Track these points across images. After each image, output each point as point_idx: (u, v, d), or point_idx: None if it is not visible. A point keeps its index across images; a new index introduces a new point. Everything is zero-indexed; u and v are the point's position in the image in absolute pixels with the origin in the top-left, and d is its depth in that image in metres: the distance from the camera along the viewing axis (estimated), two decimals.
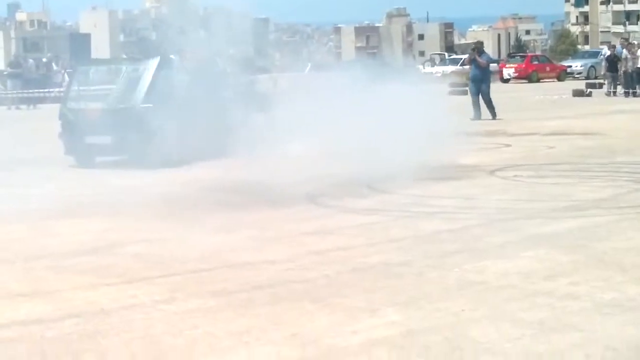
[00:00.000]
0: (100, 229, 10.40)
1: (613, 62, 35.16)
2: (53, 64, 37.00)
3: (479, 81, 25.43)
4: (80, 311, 6.91)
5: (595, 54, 50.95)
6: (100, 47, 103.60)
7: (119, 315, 6.81)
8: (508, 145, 18.16)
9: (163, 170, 15.06)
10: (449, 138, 19.50)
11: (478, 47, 26.77)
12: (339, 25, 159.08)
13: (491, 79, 44.70)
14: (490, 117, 24.49)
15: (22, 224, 10.81)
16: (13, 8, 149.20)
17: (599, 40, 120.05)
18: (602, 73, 38.74)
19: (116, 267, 8.42)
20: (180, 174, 14.82)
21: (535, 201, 11.58)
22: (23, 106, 34.38)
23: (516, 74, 49.41)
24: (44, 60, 39.47)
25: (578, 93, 34.53)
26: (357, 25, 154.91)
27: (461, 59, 55.91)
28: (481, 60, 25.67)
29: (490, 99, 25.11)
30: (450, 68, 53.13)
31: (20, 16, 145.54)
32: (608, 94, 34.33)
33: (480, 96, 25.09)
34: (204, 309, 6.98)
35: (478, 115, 24.61)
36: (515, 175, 13.86)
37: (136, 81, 16.97)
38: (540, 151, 17.22)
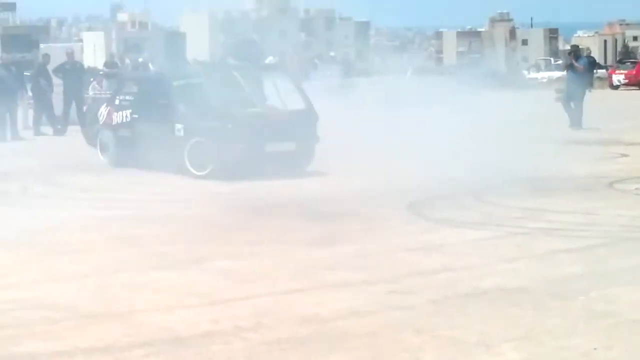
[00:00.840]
0: (185, 240, 9.62)
1: None
2: (150, 65, 36.51)
3: (575, 87, 23.85)
4: (153, 338, 6.08)
5: None
6: (200, 49, 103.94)
7: (195, 344, 5.97)
8: (625, 155, 16.94)
9: (250, 179, 14.23)
10: (560, 146, 18.44)
11: (575, 51, 25.24)
12: (441, 30, 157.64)
13: (590, 86, 43.53)
14: (572, 126, 22.49)
15: (104, 232, 10.09)
16: (116, 9, 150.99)
17: None
18: None
19: (198, 286, 7.60)
20: (266, 184, 13.98)
21: None
22: None
23: (626, 81, 47.65)
24: (140, 60, 39.02)
25: None
26: (459, 30, 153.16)
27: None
28: (578, 65, 24.07)
29: (581, 106, 23.17)
30: (557, 74, 51.51)
31: (122, 17, 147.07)
32: None
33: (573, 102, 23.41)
34: (293, 339, 6.11)
35: (578, 124, 22.95)
36: (637, 189, 12.71)
37: (280, 85, 15.75)
38: None
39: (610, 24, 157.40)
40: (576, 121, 22.90)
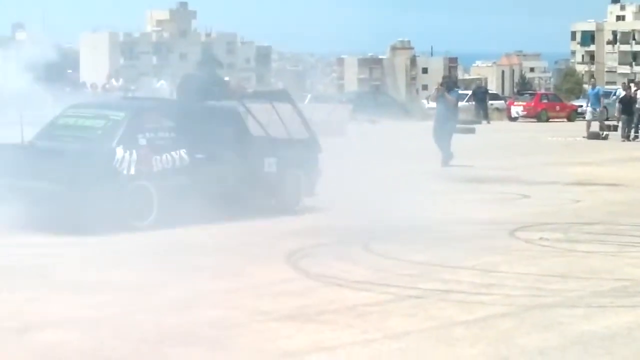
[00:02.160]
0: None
1: (629, 103, 32.94)
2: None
3: (445, 121, 21.44)
4: None
5: (606, 95, 48.67)
6: (99, 68, 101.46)
7: None
8: (526, 197, 15.82)
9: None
10: (456, 185, 17.30)
11: (447, 82, 23.45)
12: (343, 56, 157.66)
13: (486, 118, 42.53)
14: (440, 164, 20.58)
15: None
16: (17, 28, 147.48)
17: (604, 80, 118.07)
18: (615, 115, 36.38)
19: None
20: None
21: (571, 278, 9.25)
22: None
23: (525, 112, 47.19)
24: None
25: (593, 136, 32.28)
26: (360, 56, 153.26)
27: (467, 94, 53.76)
28: (450, 97, 22.22)
29: (449, 142, 21.08)
30: None
31: (20, 36, 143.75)
32: (624, 138, 32.01)
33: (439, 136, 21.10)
34: None
35: (446, 160, 20.79)
36: (541, 238, 11.53)
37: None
38: (565, 205, 14.89)
39: (508, 55, 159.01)
40: (445, 158, 21.00)
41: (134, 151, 11.89)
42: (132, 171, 11.82)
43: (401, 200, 13.92)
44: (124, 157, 11.78)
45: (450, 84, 23.58)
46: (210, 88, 13.50)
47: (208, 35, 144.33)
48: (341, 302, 8.16)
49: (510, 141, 30.76)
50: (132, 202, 11.75)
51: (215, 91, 13.59)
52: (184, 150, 12.35)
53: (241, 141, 13.03)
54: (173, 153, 12.26)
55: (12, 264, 9.63)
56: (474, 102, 46.43)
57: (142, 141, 12.08)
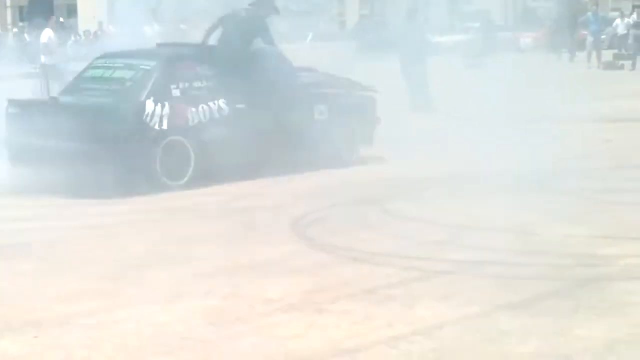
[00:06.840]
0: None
1: None
2: (26, 35, 33.09)
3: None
4: None
5: None
6: (98, 15, 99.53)
7: None
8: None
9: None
10: None
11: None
12: None
13: None
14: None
15: None
16: None
17: None
18: None
19: None
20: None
21: (626, 240, 7.98)
22: None
23: None
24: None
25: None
26: None
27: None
28: None
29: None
30: (460, 37, 49.09)
31: None
32: None
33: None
34: None
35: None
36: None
37: None
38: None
39: None
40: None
41: (169, 104, 10.89)
42: (162, 125, 10.79)
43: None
44: (153, 111, 10.75)
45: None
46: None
47: None
48: (358, 283, 6.89)
49: None
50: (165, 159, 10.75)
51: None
52: (221, 100, 11.30)
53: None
54: (205, 105, 11.20)
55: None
56: None
57: (177, 92, 11.09)
